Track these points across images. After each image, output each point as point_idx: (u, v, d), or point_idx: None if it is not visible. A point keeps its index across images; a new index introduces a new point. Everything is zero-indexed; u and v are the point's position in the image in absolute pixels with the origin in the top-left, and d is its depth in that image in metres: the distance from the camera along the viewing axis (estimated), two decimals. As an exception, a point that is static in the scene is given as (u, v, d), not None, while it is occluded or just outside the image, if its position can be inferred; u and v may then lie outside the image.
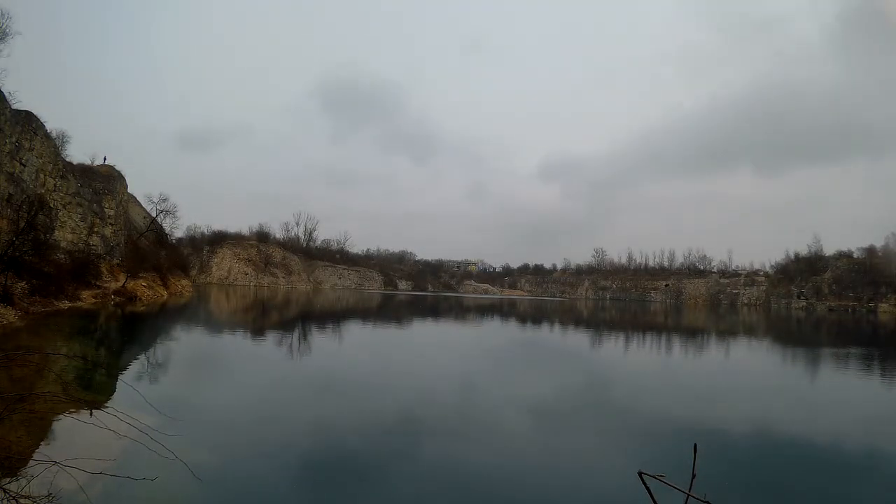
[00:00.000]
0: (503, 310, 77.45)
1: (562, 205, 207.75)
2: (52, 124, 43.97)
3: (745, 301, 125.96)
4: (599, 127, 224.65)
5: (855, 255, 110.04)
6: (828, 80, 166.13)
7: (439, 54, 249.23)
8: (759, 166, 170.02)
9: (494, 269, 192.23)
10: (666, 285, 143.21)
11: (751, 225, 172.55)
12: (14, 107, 37.31)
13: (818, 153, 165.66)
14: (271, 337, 30.29)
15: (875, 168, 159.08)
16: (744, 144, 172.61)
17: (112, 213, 53.13)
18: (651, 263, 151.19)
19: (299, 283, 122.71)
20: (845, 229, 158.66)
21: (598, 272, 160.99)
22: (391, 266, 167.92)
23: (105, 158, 58.96)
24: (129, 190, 61.32)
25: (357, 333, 36.27)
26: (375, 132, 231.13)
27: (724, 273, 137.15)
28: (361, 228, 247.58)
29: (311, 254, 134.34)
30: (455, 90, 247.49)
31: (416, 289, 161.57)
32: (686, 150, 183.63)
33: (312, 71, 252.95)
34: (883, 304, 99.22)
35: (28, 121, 39.24)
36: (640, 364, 25.64)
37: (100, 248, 49.29)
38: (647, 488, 1.75)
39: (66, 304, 32.61)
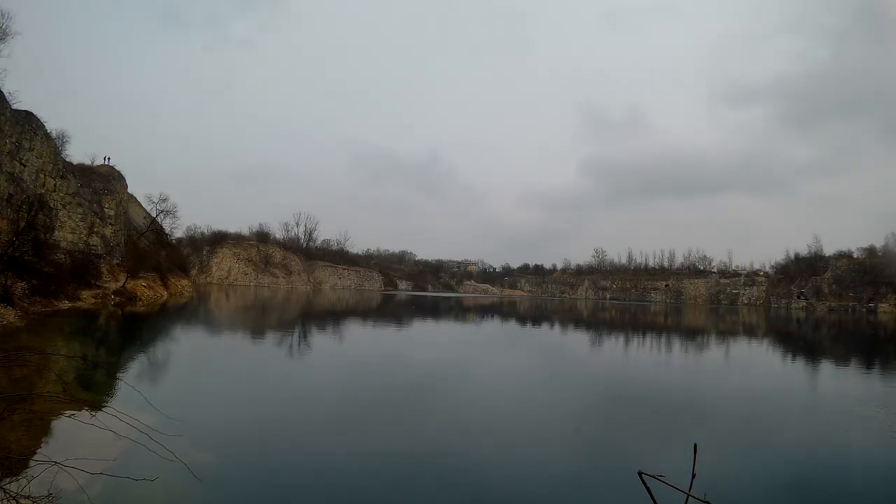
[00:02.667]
0: (503, 310, 77.45)
1: (550, 218, 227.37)
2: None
3: (746, 301, 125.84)
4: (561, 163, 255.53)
5: (855, 255, 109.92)
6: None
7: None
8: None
9: (494, 269, 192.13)
10: (666, 285, 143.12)
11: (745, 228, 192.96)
12: (14, 107, 37.31)
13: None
14: (271, 337, 30.29)
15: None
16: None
17: (112, 213, 53.09)
18: (651, 263, 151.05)
19: (299, 284, 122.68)
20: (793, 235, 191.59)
21: (598, 272, 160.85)
22: (391, 266, 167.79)
23: (107, 158, 58.97)
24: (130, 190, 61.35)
25: (357, 333, 36.27)
26: (396, 179, 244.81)
27: (724, 273, 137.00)
28: (362, 229, 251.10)
29: (311, 254, 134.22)
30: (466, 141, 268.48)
31: (416, 289, 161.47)
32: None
33: (345, 132, 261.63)
34: (883, 304, 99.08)
35: (28, 121, 39.22)
36: (639, 364, 25.65)
37: (100, 248, 49.25)
38: (647, 488, 1.75)
39: (66, 304, 32.60)
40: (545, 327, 49.27)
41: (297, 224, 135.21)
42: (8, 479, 5.70)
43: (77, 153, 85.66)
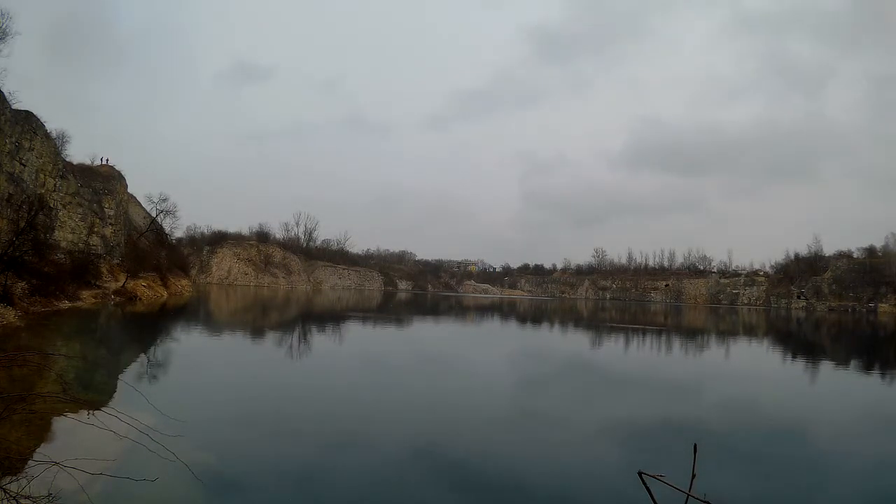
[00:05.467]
0: (502, 309, 77.46)
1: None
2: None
3: (746, 301, 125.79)
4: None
5: (855, 255, 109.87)
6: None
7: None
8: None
9: (494, 269, 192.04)
10: (666, 285, 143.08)
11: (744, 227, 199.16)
12: (14, 107, 37.29)
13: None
14: (272, 337, 30.29)
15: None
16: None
17: (112, 213, 53.10)
18: (651, 263, 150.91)
19: (299, 284, 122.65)
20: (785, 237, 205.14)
21: (598, 272, 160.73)
22: (391, 266, 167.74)
23: (104, 159, 58.95)
24: (130, 190, 61.32)
25: (358, 333, 36.26)
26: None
27: (724, 273, 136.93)
28: (362, 229, 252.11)
29: (311, 254, 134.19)
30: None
31: (416, 289, 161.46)
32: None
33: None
34: (883, 304, 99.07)
35: (28, 120, 39.17)
36: (638, 363, 25.63)
37: (100, 248, 49.26)
38: (647, 488, 1.75)
39: (66, 304, 32.58)
40: (545, 327, 49.28)
41: (297, 224, 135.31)
42: (8, 479, 5.71)
43: (77, 153, 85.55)
